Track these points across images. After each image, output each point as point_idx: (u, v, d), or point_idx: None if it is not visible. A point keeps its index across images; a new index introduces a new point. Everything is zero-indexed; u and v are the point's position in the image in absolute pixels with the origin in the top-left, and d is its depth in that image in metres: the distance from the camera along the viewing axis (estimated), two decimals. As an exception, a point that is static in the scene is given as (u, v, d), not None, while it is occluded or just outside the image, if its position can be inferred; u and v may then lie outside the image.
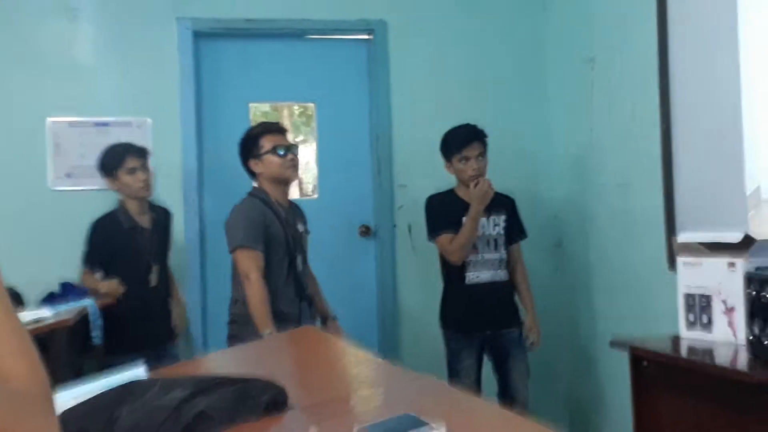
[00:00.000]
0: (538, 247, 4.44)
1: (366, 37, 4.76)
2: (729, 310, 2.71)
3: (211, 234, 4.38)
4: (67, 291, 4.02)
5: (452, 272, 3.94)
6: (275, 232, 3.53)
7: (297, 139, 5.12)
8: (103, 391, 1.46)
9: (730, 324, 2.71)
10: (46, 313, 3.43)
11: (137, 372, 1.74)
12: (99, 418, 1.37)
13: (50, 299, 3.97)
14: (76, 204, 4.27)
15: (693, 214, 3.38)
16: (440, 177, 4.04)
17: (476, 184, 3.80)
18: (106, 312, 3.89)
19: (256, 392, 1.45)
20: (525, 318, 4.01)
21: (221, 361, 2.38)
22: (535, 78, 4.81)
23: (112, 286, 3.87)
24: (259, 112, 4.88)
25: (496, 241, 3.94)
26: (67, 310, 3.63)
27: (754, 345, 2.51)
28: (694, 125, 3.39)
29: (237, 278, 3.52)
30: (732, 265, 2.71)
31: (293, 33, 4.73)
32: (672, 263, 3.34)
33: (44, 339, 3.16)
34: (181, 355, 4.03)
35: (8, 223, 4.10)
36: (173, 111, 4.44)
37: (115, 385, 1.49)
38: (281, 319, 3.37)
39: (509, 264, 3.99)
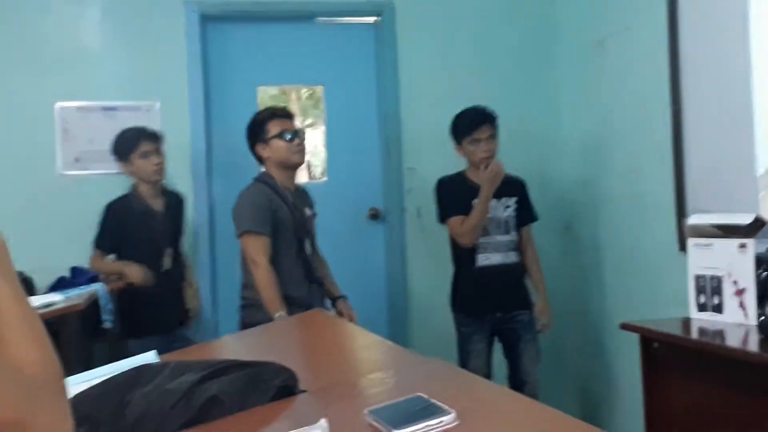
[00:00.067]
0: (548, 230, 4.42)
1: (374, 19, 4.74)
2: (739, 292, 2.70)
3: (220, 217, 4.37)
4: (77, 275, 4.04)
5: (463, 255, 3.93)
6: (282, 217, 3.55)
7: (306, 123, 5.12)
8: (114, 375, 1.46)
9: (741, 305, 2.69)
10: (56, 298, 3.44)
11: (148, 357, 1.74)
12: (110, 402, 1.38)
13: (60, 284, 3.99)
14: (85, 189, 4.28)
15: (703, 196, 3.37)
16: (449, 160, 4.03)
17: (486, 167, 3.79)
18: (120, 296, 3.92)
19: (267, 376, 1.45)
20: (536, 301, 4.00)
21: (232, 345, 2.39)
22: (545, 60, 4.78)
23: (139, 272, 3.89)
24: (267, 95, 4.87)
25: (506, 223, 3.93)
26: (78, 294, 3.64)
27: (764, 326, 2.50)
28: (705, 107, 3.37)
29: (246, 263, 3.54)
30: (743, 246, 2.70)
31: (301, 16, 4.71)
32: (682, 245, 3.33)
33: (55, 324, 3.18)
34: (194, 339, 4.05)
35: (18, 208, 4.11)
36: (181, 95, 4.43)
37: (126, 370, 1.49)
38: (291, 302, 3.39)
39: (520, 247, 3.99)
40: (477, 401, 1.39)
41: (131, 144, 3.92)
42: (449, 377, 1.56)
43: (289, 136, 3.60)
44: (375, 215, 4.74)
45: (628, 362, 3.56)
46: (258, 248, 3.45)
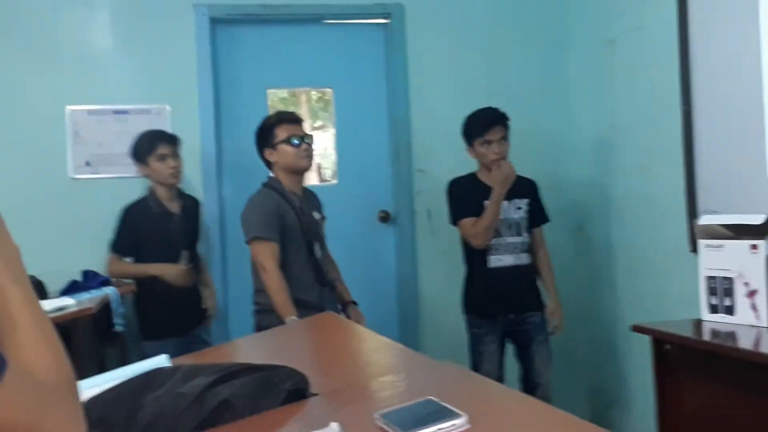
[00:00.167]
0: (559, 231, 4.41)
1: (383, 20, 4.74)
2: (751, 293, 2.69)
3: (230, 220, 4.38)
4: (88, 279, 4.06)
5: (475, 257, 3.93)
6: (290, 222, 3.57)
7: (315, 125, 5.12)
8: (127, 379, 1.47)
9: (753, 307, 2.68)
10: (68, 302, 3.45)
11: (160, 360, 1.75)
12: (123, 406, 1.38)
13: (72, 287, 4.00)
14: (96, 192, 4.30)
15: (714, 196, 3.35)
16: (459, 161, 4.03)
17: (498, 168, 3.78)
18: (137, 298, 3.95)
19: (278, 380, 1.46)
20: (547, 302, 3.99)
21: (243, 348, 2.39)
22: (556, 60, 4.77)
23: (177, 271, 3.92)
24: (276, 97, 4.87)
25: (518, 224, 3.92)
26: (90, 298, 3.65)
27: (777, 328, 2.50)
28: (716, 107, 3.36)
29: (256, 268, 3.56)
30: (754, 247, 2.69)
31: (310, 18, 4.71)
32: (693, 246, 3.31)
33: (67, 328, 3.19)
34: (210, 341, 4.07)
35: (29, 211, 4.12)
36: (191, 98, 4.44)
37: (138, 374, 1.50)
38: (303, 306, 3.41)
39: (532, 248, 3.98)
40: (488, 404, 1.39)
41: (148, 147, 3.95)
42: (460, 380, 1.56)
43: (296, 141, 3.62)
44: (385, 217, 4.74)
45: (639, 364, 3.55)
46: (267, 254, 3.48)
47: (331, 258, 3.88)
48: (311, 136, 3.76)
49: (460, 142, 3.92)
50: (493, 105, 3.92)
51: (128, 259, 4.00)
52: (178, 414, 1.35)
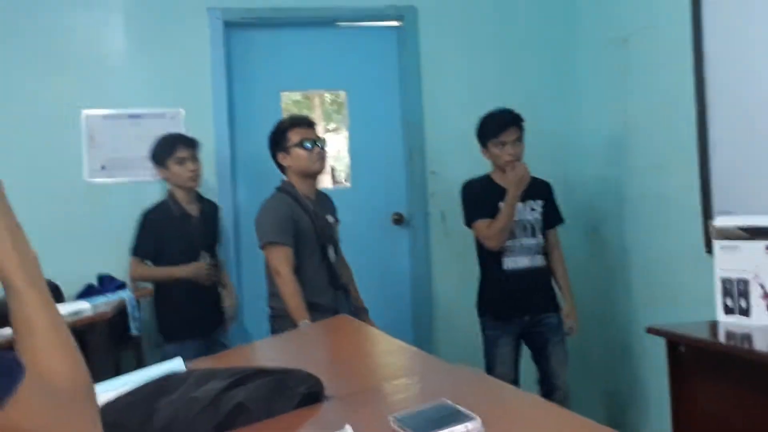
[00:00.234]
0: (573, 232, 4.40)
1: (396, 23, 4.74)
2: (767, 295, 2.68)
3: (245, 223, 4.40)
4: (104, 283, 4.08)
5: (489, 259, 3.91)
6: (304, 226, 3.57)
7: (329, 128, 5.13)
8: (142, 384, 1.48)
9: (769, 308, 2.67)
10: (84, 306, 3.47)
11: (174, 364, 1.76)
12: (138, 410, 1.39)
13: (88, 292, 4.02)
14: (111, 196, 4.33)
15: (730, 197, 3.33)
16: (472, 163, 4.02)
17: (513, 169, 3.78)
18: (156, 301, 3.96)
19: (293, 383, 1.46)
20: (562, 304, 3.98)
21: (257, 352, 2.40)
22: (569, 60, 4.76)
23: (201, 269, 3.94)
24: (290, 100, 4.89)
25: (533, 226, 3.91)
26: (106, 302, 3.68)
27: (793, 329, 2.48)
28: (730, 106, 3.34)
29: (270, 273, 3.57)
30: (770, 248, 2.67)
31: (323, 21, 4.72)
32: (708, 247, 3.30)
33: (83, 332, 3.21)
34: (229, 344, 4.07)
35: (45, 216, 4.14)
36: (205, 101, 4.46)
37: (153, 378, 1.50)
38: (317, 310, 3.41)
39: (546, 249, 3.97)
40: (503, 408, 1.38)
41: (168, 150, 3.96)
42: (474, 383, 1.56)
43: (309, 145, 3.63)
44: (399, 220, 4.74)
45: (654, 365, 3.53)
46: (281, 259, 3.48)
47: (344, 261, 3.88)
48: (324, 139, 3.77)
49: (474, 144, 3.92)
50: (506, 106, 3.91)
51: (148, 263, 4.01)
52: (192, 418, 1.36)
